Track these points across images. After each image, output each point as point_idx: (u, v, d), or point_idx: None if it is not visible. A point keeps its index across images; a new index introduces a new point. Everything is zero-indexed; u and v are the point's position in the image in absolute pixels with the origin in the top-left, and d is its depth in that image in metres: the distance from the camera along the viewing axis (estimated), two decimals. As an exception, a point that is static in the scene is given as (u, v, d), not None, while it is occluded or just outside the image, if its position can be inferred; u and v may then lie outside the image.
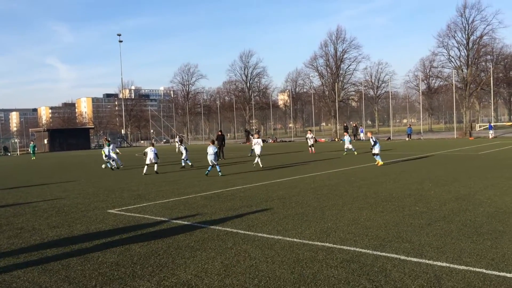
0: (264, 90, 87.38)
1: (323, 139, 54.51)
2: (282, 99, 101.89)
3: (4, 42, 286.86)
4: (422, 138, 46.81)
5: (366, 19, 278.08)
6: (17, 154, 57.72)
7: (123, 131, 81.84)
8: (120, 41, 76.02)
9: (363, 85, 63.58)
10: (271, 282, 4.98)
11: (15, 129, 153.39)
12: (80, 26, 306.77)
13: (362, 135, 50.68)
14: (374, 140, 18.72)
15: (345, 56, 65.19)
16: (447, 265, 5.27)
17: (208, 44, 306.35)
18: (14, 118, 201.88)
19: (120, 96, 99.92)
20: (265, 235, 7.15)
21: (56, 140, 62.11)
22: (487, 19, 52.09)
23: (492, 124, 43.31)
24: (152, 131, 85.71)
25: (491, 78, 46.21)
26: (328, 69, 66.11)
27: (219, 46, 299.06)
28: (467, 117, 52.36)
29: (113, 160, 22.57)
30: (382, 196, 10.49)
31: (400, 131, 63.56)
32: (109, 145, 22.69)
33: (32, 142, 49.07)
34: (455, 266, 5.22)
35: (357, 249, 6.09)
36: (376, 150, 18.43)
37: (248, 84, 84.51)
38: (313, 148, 28.93)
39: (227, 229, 7.69)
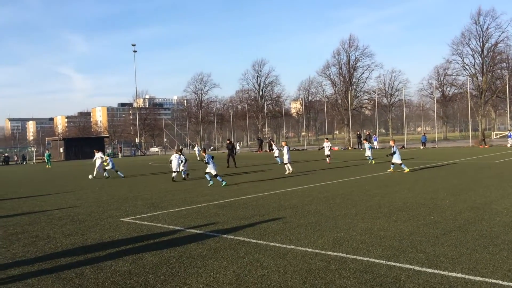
0: (276, 98, 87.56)
1: (336, 148, 54.24)
2: (295, 107, 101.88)
3: (21, 52, 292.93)
4: (436, 146, 46.29)
5: (378, 27, 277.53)
6: (34, 162, 58.56)
7: (137, 140, 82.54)
8: (135, 51, 77.06)
9: (376, 93, 63.25)
10: (283, 292, 4.95)
11: (31, 138, 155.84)
12: (95, 36, 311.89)
13: (375, 144, 50.29)
14: (394, 149, 19.20)
15: (358, 65, 65.07)
16: (463, 276, 5.18)
17: (221, 53, 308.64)
18: (30, 127, 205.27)
19: (135, 105, 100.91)
20: (277, 244, 7.12)
21: (72, 149, 62.88)
22: (502, 27, 51.63)
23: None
24: (165, 139, 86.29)
25: (507, 86, 45.57)
26: (341, 77, 66.02)
27: (232, 55, 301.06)
28: (482, 125, 51.64)
29: (104, 170, 23.18)
30: (396, 205, 10.38)
31: (415, 140, 62.90)
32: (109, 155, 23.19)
33: (47, 151, 49.76)
34: (471, 277, 5.13)
35: (371, 259, 6.02)
36: (394, 159, 18.82)
37: (260, 93, 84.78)
38: (328, 158, 27.40)
39: (239, 238, 7.68)
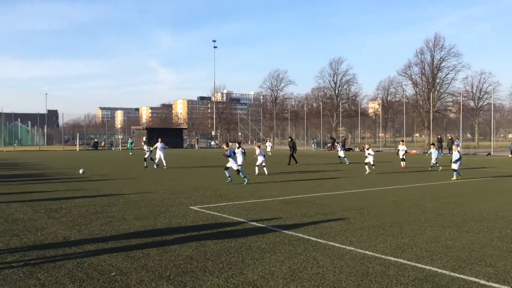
0: (353, 97, 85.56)
1: (414, 151, 51.89)
2: (372, 107, 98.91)
3: (113, 46, 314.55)
4: (528, 155, 42.48)
5: (466, 26, 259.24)
6: (119, 149, 62.77)
7: (213, 133, 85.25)
8: (215, 47, 79.47)
9: (462, 95, 59.41)
10: (335, 292, 4.94)
11: (119, 126, 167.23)
12: (179, 31, 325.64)
13: (458, 149, 47.37)
14: (459, 155, 18.29)
15: (442, 65, 61.56)
16: (533, 295, 4.81)
17: (298, 50, 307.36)
18: (119, 116, 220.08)
19: (213, 99, 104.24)
20: (336, 244, 7.07)
21: (153, 138, 66.36)
22: None
23: None
24: (240, 134, 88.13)
25: None
26: (423, 77, 62.88)
27: (309, 52, 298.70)
28: None
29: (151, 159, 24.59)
30: (471, 215, 9.78)
31: (503, 147, 58.27)
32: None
33: (130, 139, 53.07)
34: (543, 298, 4.75)
35: (433, 269, 5.78)
36: (454, 165, 18.01)
37: (336, 91, 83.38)
38: (404, 162, 25.17)
39: (299, 235, 7.73)
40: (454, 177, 17.89)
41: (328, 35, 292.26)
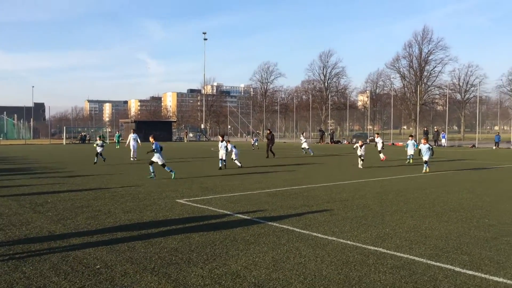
0: (342, 90, 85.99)
1: (401, 143, 52.46)
2: (361, 100, 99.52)
3: (102, 38, 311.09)
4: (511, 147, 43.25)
5: (456, 19, 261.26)
6: (107, 142, 62.38)
7: (202, 126, 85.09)
8: (205, 39, 79.12)
9: (448, 88, 60.08)
10: (316, 281, 5.09)
11: (107, 119, 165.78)
12: (170, 23, 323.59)
13: (443, 141, 48.01)
14: (428, 147, 17.95)
15: (430, 58, 62.25)
16: (504, 280, 5.01)
17: (288, 43, 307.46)
18: (107, 109, 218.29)
19: (203, 91, 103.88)
20: (319, 235, 7.23)
21: (142, 131, 65.75)
22: None
23: None
24: (229, 127, 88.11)
25: None
26: (411, 70, 63.43)
27: (299, 45, 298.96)
28: None
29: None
30: (451, 205, 10.02)
31: (488, 139, 59.14)
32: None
33: (117, 132, 52.77)
34: (513, 283, 4.95)
35: (411, 257, 5.96)
36: (425, 157, 17.66)
37: (326, 84, 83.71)
38: (382, 154, 24.38)
39: (284, 226, 7.88)
40: (425, 169, 17.61)
41: (318, 27, 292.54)
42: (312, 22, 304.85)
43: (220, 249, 6.39)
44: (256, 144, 41.15)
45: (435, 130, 52.39)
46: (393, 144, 52.22)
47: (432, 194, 11.78)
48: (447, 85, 61.40)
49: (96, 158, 22.15)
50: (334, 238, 6.99)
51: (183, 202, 10.53)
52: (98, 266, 5.60)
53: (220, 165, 19.17)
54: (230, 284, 4.98)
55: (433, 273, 5.32)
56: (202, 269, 5.50)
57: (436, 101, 71.32)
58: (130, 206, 9.96)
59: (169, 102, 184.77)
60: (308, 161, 24.49)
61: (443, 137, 48.62)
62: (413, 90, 61.43)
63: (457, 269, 5.46)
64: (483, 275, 5.21)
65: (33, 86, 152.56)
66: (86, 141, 62.18)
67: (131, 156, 24.83)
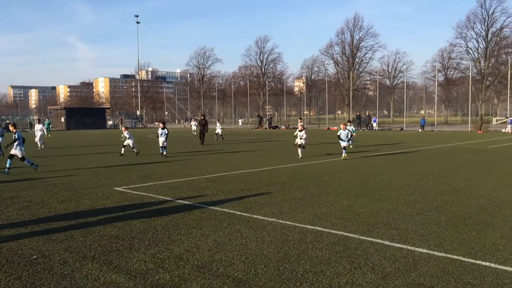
0: (279, 76, 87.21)
1: (335, 127, 54.50)
2: (297, 85, 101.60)
3: (27, 20, 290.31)
4: (435, 130, 46.48)
5: (386, 7, 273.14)
6: (34, 130, 58.93)
7: (138, 112, 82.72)
8: (138, 22, 76.45)
9: (378, 74, 63.00)
10: (257, 260, 5.29)
11: (33, 106, 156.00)
12: (101, 6, 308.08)
13: (375, 125, 50.49)
14: (347, 133, 17.41)
15: (361, 45, 64.76)
16: (427, 251, 5.51)
17: (225, 28, 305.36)
18: (33, 96, 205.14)
19: (137, 77, 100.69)
20: (260, 217, 7.45)
21: (73, 119, 63.19)
22: (508, 11, 51.09)
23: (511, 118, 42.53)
24: (167, 113, 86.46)
25: (509, 71, 45.41)
26: (344, 57, 65.67)
27: (236, 30, 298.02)
28: (482, 110, 51.73)
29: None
30: (382, 185, 10.69)
31: (415, 122, 63.02)
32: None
33: (47, 119, 49.96)
34: (435, 253, 5.45)
35: (345, 234, 6.35)
36: (344, 143, 17.16)
37: (263, 70, 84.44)
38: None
39: (225, 210, 8.02)
40: (344, 155, 16.98)
41: (254, 13, 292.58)
42: (247, 8, 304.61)
43: (162, 234, 6.40)
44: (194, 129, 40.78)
45: (367, 114, 54.88)
46: (328, 128, 54.11)
47: (364, 175, 12.47)
48: (377, 71, 64.39)
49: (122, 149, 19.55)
50: (274, 219, 7.25)
51: (122, 190, 10.32)
52: (35, 256, 5.42)
53: (161, 152, 18.48)
54: (173, 267, 5.04)
55: (365, 247, 5.72)
56: (145, 254, 5.51)
57: (368, 86, 74.53)
58: (64, 195, 9.61)
59: (101, 88, 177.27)
60: (247, 147, 24.78)
61: (374, 121, 51.09)
62: (346, 76, 63.79)
63: (386, 242, 5.90)
64: (409, 247, 5.69)
65: None
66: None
67: (39, 146, 25.07)
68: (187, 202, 8.77)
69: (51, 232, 6.55)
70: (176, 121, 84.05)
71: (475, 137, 32.82)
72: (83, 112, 68.76)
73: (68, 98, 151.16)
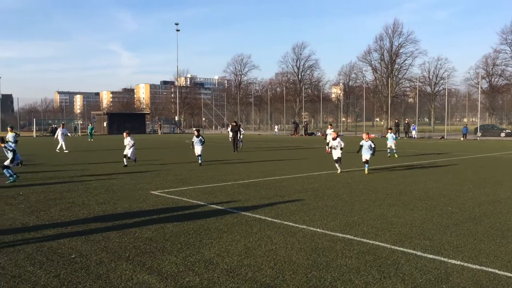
0: (316, 82, 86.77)
1: (373, 135, 53.56)
2: (334, 92, 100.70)
3: (73, 29, 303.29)
4: (478, 138, 44.81)
5: (427, 13, 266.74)
6: (79, 135, 61.29)
7: (176, 118, 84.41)
8: (178, 30, 78.23)
9: (418, 80, 61.50)
10: (285, 266, 5.32)
11: (78, 111, 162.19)
12: (143, 14, 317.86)
13: (414, 133, 49.27)
14: (370, 144, 14.63)
15: (401, 51, 63.44)
16: (461, 263, 5.37)
17: (262, 35, 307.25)
18: (78, 101, 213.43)
19: (176, 83, 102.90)
20: (290, 223, 7.48)
21: (114, 123, 65.26)
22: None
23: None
24: (204, 119, 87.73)
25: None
26: (383, 63, 64.56)
27: (273, 37, 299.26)
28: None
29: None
30: (417, 194, 10.46)
31: (457, 131, 61.03)
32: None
33: (90, 124, 51.87)
34: (469, 265, 5.31)
35: (376, 243, 6.28)
36: (365, 156, 14.52)
37: (299, 76, 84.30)
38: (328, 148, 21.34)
39: (256, 216, 8.10)
40: (366, 171, 14.67)
41: (292, 19, 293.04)
42: (285, 15, 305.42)
43: (193, 238, 6.55)
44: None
45: (406, 122, 53.65)
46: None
47: (400, 184, 12.23)
48: (417, 78, 62.89)
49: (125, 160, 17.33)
50: (305, 226, 7.26)
51: (158, 193, 10.61)
52: (73, 256, 5.68)
53: (199, 162, 17.41)
54: (203, 271, 5.16)
55: (396, 257, 5.64)
56: (176, 257, 5.66)
57: (407, 93, 72.85)
58: (104, 197, 9.98)
59: (142, 94, 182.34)
60: (281, 153, 24.81)
61: (414, 129, 49.86)
62: (385, 83, 62.63)
63: (419, 253, 5.79)
64: (442, 258, 5.56)
65: None
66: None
67: (58, 149, 26.07)
68: (219, 207, 8.91)
69: (89, 233, 6.84)
70: (213, 126, 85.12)
71: (520, 147, 31.39)
72: (124, 117, 70.93)
73: (111, 104, 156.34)
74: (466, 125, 49.54)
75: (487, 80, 66.34)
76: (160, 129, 71.02)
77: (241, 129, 28.46)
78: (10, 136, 17.24)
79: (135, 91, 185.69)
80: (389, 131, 23.20)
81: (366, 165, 14.76)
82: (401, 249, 5.98)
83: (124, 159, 17.00)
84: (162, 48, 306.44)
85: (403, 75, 64.81)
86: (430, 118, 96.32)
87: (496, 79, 64.99)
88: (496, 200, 9.71)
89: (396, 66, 63.79)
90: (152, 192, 10.81)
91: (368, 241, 6.38)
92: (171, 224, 7.41)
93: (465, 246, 6.11)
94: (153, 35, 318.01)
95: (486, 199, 9.84)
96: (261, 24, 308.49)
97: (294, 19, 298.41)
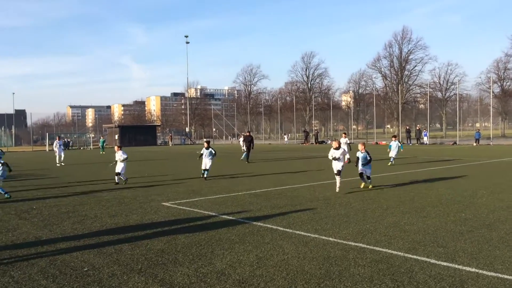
0: (326, 91, 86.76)
1: (384, 142, 53.21)
2: (344, 100, 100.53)
3: (83, 43, 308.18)
4: (491, 143, 44.25)
5: (436, 18, 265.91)
6: (90, 148, 61.89)
7: (187, 129, 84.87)
8: (187, 42, 78.95)
9: (429, 86, 61.14)
10: (298, 276, 5.29)
11: (90, 124, 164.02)
12: (152, 27, 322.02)
13: (425, 139, 48.86)
14: (365, 156, 12.51)
15: (410, 57, 63.27)
16: (476, 270, 5.28)
17: (271, 45, 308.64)
18: (90, 114, 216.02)
19: (186, 95, 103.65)
20: (302, 233, 7.44)
21: (126, 136, 65.83)
22: None
23: None
24: (214, 129, 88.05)
25: None
26: (392, 70, 64.36)
27: (282, 47, 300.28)
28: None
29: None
30: (430, 201, 10.34)
31: (469, 136, 60.40)
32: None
33: (102, 138, 52.38)
34: (484, 272, 5.22)
35: (389, 251, 6.21)
36: (360, 168, 12.42)
37: (309, 85, 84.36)
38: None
39: (268, 225, 8.07)
40: (362, 184, 12.82)
41: (300, 29, 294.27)
42: (293, 24, 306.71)
43: (205, 249, 6.55)
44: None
45: (417, 128, 53.27)
46: (376, 143, 52.96)
47: (412, 191, 12.11)
48: (428, 84, 62.52)
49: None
50: (317, 236, 7.21)
51: (169, 205, 10.65)
52: (86, 269, 5.71)
53: (203, 174, 16.10)
54: (215, 282, 5.15)
55: (409, 265, 5.57)
56: (188, 269, 5.66)
57: (418, 99, 72.45)
58: (115, 210, 10.04)
59: (153, 106, 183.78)
60: (292, 162, 24.75)
61: (425, 135, 49.45)
62: (395, 89, 62.38)
63: (433, 261, 5.72)
64: (456, 266, 5.48)
65: (13, 93, 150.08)
66: (69, 147, 61.52)
67: (57, 162, 26.13)
68: (231, 218, 8.90)
69: (102, 246, 6.88)
70: (224, 137, 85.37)
71: (535, 151, 30.94)
72: (135, 129, 71.55)
73: (122, 117, 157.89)
74: (479, 130, 48.96)
75: (499, 84, 65.68)
76: (171, 141, 71.39)
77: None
78: None
79: (146, 103, 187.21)
80: (394, 138, 21.70)
81: (361, 179, 12.72)
82: (415, 257, 5.91)
83: (116, 176, 15.12)
84: (172, 60, 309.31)
85: (413, 81, 64.59)
86: (441, 124, 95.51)
87: (508, 83, 64.29)
88: (510, 205, 9.56)
89: (406, 72, 63.56)
90: (164, 203, 10.85)
91: (381, 249, 6.32)
92: (183, 236, 7.42)
93: (480, 253, 6.01)
94: (163, 47, 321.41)
95: (500, 204, 9.69)
96: (270, 34, 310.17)
97: (303, 28, 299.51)
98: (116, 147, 16.03)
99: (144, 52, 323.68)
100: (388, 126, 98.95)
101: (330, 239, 6.98)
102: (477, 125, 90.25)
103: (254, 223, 8.32)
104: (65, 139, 64.26)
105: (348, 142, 23.45)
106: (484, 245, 6.41)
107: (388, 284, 4.94)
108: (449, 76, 74.17)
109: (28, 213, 9.90)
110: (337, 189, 12.16)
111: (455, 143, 46.63)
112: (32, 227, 8.32)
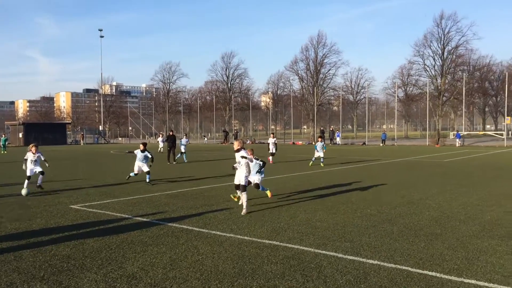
0: (245, 91, 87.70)
1: (300, 142, 55.20)
2: (263, 100, 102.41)
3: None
4: (395, 144, 47.84)
5: (350, 24, 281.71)
6: (-10, 147, 56.54)
7: (100, 127, 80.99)
8: (102, 36, 75.49)
9: (341, 89, 64.47)
10: (212, 276, 5.28)
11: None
12: (63, 19, 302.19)
13: (338, 140, 51.48)
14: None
15: (325, 61, 65.99)
16: (378, 263, 5.66)
17: (191, 43, 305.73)
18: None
19: (100, 91, 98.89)
20: (218, 232, 7.44)
21: (32, 134, 61.00)
22: (462, 30, 53.65)
23: (460, 133, 44.60)
24: (130, 128, 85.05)
25: (463, 88, 47.55)
26: (309, 72, 66.83)
27: (202, 46, 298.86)
28: (439, 125, 53.76)
29: None
30: (341, 199, 10.90)
31: (377, 137, 64.71)
32: None
33: (3, 136, 48.10)
34: (385, 264, 5.62)
35: (301, 247, 6.44)
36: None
37: (229, 85, 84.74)
38: (271, 158, 23.03)
39: (183, 226, 7.96)
40: (268, 193, 10.80)
41: (220, 29, 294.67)
42: (214, 24, 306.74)
43: (116, 253, 6.29)
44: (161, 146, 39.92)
45: (331, 129, 55.92)
46: (293, 143, 54.73)
47: (323, 189, 12.67)
48: (341, 87, 65.86)
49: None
50: (232, 235, 7.26)
51: (78, 207, 10.07)
52: (-21, 280, 5.20)
53: (130, 175, 14.84)
54: (125, 286, 4.96)
55: (319, 260, 5.82)
56: (96, 274, 5.39)
57: (332, 102, 75.97)
58: (18, 214, 9.28)
59: (63, 103, 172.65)
60: (211, 162, 24.70)
61: (338, 136, 52.10)
62: (311, 92, 64.85)
63: (340, 255, 6.03)
64: (361, 259, 5.83)
65: None
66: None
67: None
68: (145, 219, 8.65)
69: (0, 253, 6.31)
70: (141, 136, 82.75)
71: (432, 151, 34.01)
72: (43, 127, 66.63)
73: (28, 113, 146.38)
74: (385, 131, 52.70)
75: (403, 89, 71.14)
76: (83, 140, 67.66)
77: (184, 139, 26.65)
78: None
79: (55, 99, 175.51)
80: (319, 139, 21.69)
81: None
82: (324, 252, 6.19)
83: (27, 180, 12.50)
84: (85, 54, 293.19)
85: (328, 84, 67.50)
86: (353, 125, 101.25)
87: (410, 89, 69.76)
88: (410, 201, 10.40)
89: (321, 75, 66.28)
90: (72, 206, 10.24)
91: (293, 246, 6.53)
92: (92, 240, 7.05)
93: (382, 246, 6.46)
94: (76, 41, 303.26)
95: (401, 200, 10.50)
96: (190, 32, 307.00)
97: (223, 28, 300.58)
98: (34, 148, 13.38)
99: (54, 45, 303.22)
100: (305, 127, 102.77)
101: (245, 238, 7.07)
102: (384, 127, 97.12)
103: (169, 224, 8.17)
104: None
105: (276, 142, 24.31)
106: (386, 238, 6.90)
107: (299, 279, 5.11)
108: (359, 80, 78.94)
109: None
110: (244, 211, 9.12)
111: (364, 143, 49.70)
112: None
